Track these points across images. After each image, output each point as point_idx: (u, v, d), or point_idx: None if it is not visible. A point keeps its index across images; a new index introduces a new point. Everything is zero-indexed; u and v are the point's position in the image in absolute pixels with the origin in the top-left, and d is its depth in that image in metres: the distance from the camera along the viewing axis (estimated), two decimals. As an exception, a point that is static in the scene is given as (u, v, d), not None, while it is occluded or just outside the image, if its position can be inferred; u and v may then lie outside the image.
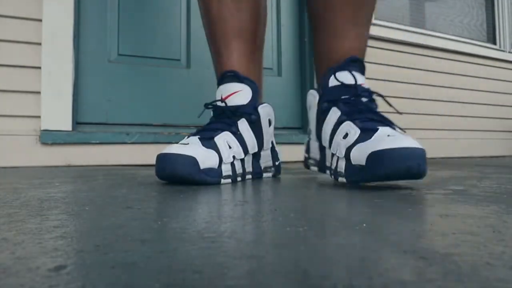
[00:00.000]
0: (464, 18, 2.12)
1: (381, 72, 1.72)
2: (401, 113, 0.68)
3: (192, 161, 0.54)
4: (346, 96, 0.61)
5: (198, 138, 0.60)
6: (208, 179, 0.56)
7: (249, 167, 0.66)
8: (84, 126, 1.20)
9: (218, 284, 0.16)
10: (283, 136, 1.39)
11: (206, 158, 0.56)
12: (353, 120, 0.56)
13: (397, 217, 0.31)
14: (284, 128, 1.50)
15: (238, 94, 0.66)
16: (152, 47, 1.31)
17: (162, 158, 0.55)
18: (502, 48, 2.18)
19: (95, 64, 1.23)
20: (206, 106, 0.67)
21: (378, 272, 0.18)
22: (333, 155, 0.59)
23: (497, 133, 2.10)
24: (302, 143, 1.46)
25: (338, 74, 0.63)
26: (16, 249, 0.22)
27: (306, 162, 0.72)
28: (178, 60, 1.34)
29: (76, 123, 1.18)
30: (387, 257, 0.20)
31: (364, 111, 0.58)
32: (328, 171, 0.62)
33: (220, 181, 0.58)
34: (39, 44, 1.11)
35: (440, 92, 1.90)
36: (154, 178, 0.68)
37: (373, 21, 1.72)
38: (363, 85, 0.63)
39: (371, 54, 1.70)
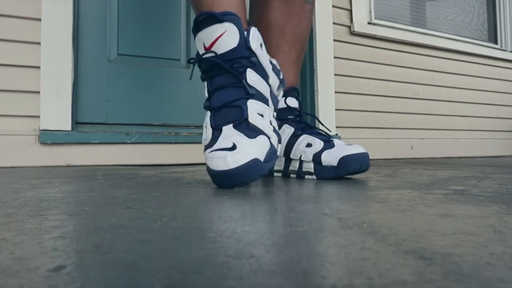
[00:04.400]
0: (465, 18, 2.12)
1: (382, 72, 1.72)
2: (330, 131, 0.83)
3: (255, 163, 0.49)
4: (292, 116, 0.76)
5: (232, 125, 0.54)
6: (271, 164, 0.53)
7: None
8: (84, 126, 1.20)
9: (218, 284, 0.16)
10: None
11: (261, 149, 0.51)
12: (309, 134, 0.71)
13: (397, 217, 0.31)
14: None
15: (224, 37, 0.57)
16: (152, 47, 1.30)
17: (221, 177, 0.50)
18: (503, 48, 2.18)
19: (95, 63, 1.23)
20: (189, 61, 0.60)
21: (378, 272, 0.18)
22: (294, 160, 0.71)
23: (497, 133, 2.11)
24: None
25: (288, 100, 0.76)
26: (16, 249, 0.22)
27: (286, 174, 0.75)
28: (178, 60, 1.34)
29: (75, 123, 1.18)
30: (387, 257, 0.20)
31: (310, 127, 0.74)
32: (292, 174, 0.72)
33: (277, 155, 0.58)
34: (38, 43, 1.11)
35: (440, 92, 1.90)
36: (154, 178, 0.68)
37: (373, 20, 1.72)
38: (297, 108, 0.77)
39: (372, 54, 1.70)
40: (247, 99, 0.56)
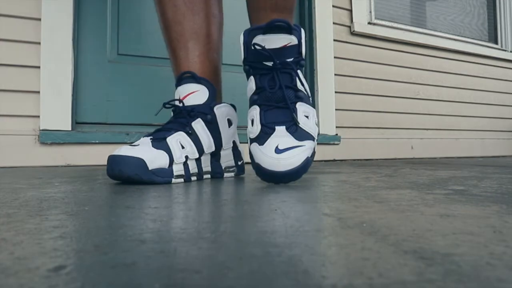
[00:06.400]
0: (466, 18, 2.12)
1: (382, 72, 1.72)
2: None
3: (139, 162, 0.56)
4: None
5: (150, 138, 0.61)
6: (157, 179, 0.58)
7: (207, 167, 0.68)
8: (84, 126, 1.20)
9: (218, 284, 0.16)
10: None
11: (155, 159, 0.57)
12: None
13: (397, 217, 0.31)
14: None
15: (195, 94, 0.68)
16: (152, 46, 1.30)
17: (111, 160, 0.57)
18: (503, 48, 2.18)
19: (95, 63, 1.23)
20: (164, 105, 0.69)
21: (378, 272, 0.18)
22: None
23: (498, 133, 2.11)
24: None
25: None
26: (15, 249, 0.22)
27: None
28: (178, 59, 1.34)
29: (75, 122, 1.18)
30: (387, 257, 0.20)
31: None
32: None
33: (171, 180, 0.60)
34: (38, 43, 1.11)
35: (440, 92, 1.90)
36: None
37: (374, 20, 1.72)
38: None
39: (372, 54, 1.70)
40: (179, 131, 0.63)
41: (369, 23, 1.70)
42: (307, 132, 0.59)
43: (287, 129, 0.58)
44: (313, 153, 0.60)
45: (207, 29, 0.72)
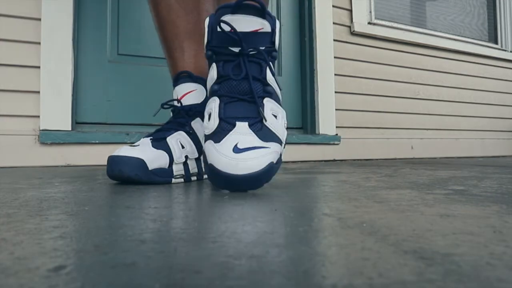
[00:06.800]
0: (466, 18, 2.12)
1: (382, 72, 1.72)
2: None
3: (139, 162, 0.56)
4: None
5: (150, 139, 0.61)
6: (157, 179, 0.58)
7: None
8: (84, 126, 1.20)
9: (218, 284, 0.16)
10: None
11: (154, 159, 0.57)
12: None
13: (397, 217, 0.31)
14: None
15: (192, 93, 0.68)
16: (152, 46, 1.30)
17: (110, 160, 0.57)
18: (503, 48, 2.18)
19: (95, 63, 1.23)
20: (162, 105, 0.68)
21: (378, 272, 0.18)
22: None
23: (498, 133, 2.11)
24: (302, 143, 1.46)
25: None
26: (15, 249, 0.22)
27: None
28: (178, 59, 1.34)
29: (75, 122, 1.18)
30: (387, 257, 0.20)
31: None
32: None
33: (171, 180, 0.60)
34: (38, 43, 1.11)
35: (440, 92, 1.90)
36: (153, 178, 0.68)
37: (374, 20, 1.72)
38: None
39: (372, 54, 1.70)
40: (179, 130, 0.63)
41: (369, 23, 1.70)
42: (274, 133, 0.51)
43: (250, 125, 0.49)
44: (279, 160, 0.51)
45: (202, 28, 0.71)
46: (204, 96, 0.68)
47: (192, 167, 0.64)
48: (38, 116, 1.10)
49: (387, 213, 0.33)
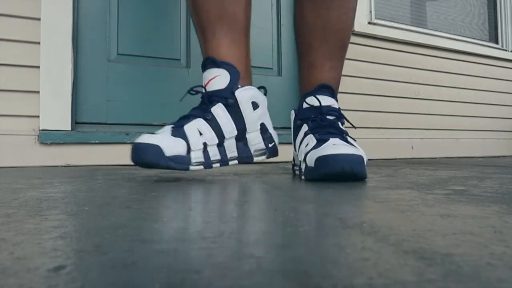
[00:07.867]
0: (466, 17, 2.12)
1: (382, 72, 1.72)
2: (355, 127, 0.83)
3: (156, 149, 0.59)
4: (313, 115, 0.72)
5: (172, 127, 0.64)
6: (174, 165, 0.60)
7: (232, 152, 0.68)
8: (83, 126, 1.20)
9: (218, 284, 0.16)
10: (282, 136, 1.39)
11: (171, 146, 0.60)
12: (314, 133, 0.68)
13: (397, 217, 0.31)
14: (284, 128, 1.50)
15: (216, 79, 0.69)
16: (152, 46, 1.30)
17: (132, 148, 0.61)
18: (504, 48, 2.17)
19: (95, 63, 1.23)
20: (189, 91, 0.70)
21: (378, 272, 0.18)
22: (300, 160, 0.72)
23: (498, 133, 2.10)
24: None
25: (308, 99, 0.73)
26: (15, 249, 0.22)
27: (292, 168, 0.82)
28: (178, 59, 1.34)
29: (75, 123, 1.18)
30: (387, 257, 0.20)
31: (326, 126, 0.69)
32: (298, 172, 0.74)
33: (189, 168, 0.62)
34: (38, 43, 1.11)
35: (440, 92, 1.90)
36: (154, 178, 0.68)
37: (374, 20, 1.72)
38: (332, 106, 0.73)
39: (372, 54, 1.70)
40: (198, 117, 0.65)
41: (369, 23, 1.70)
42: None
43: (340, 139, 0.64)
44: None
45: (233, 11, 0.72)
46: (228, 81, 0.68)
47: (213, 153, 0.65)
48: (38, 116, 1.10)
49: (387, 213, 0.33)
